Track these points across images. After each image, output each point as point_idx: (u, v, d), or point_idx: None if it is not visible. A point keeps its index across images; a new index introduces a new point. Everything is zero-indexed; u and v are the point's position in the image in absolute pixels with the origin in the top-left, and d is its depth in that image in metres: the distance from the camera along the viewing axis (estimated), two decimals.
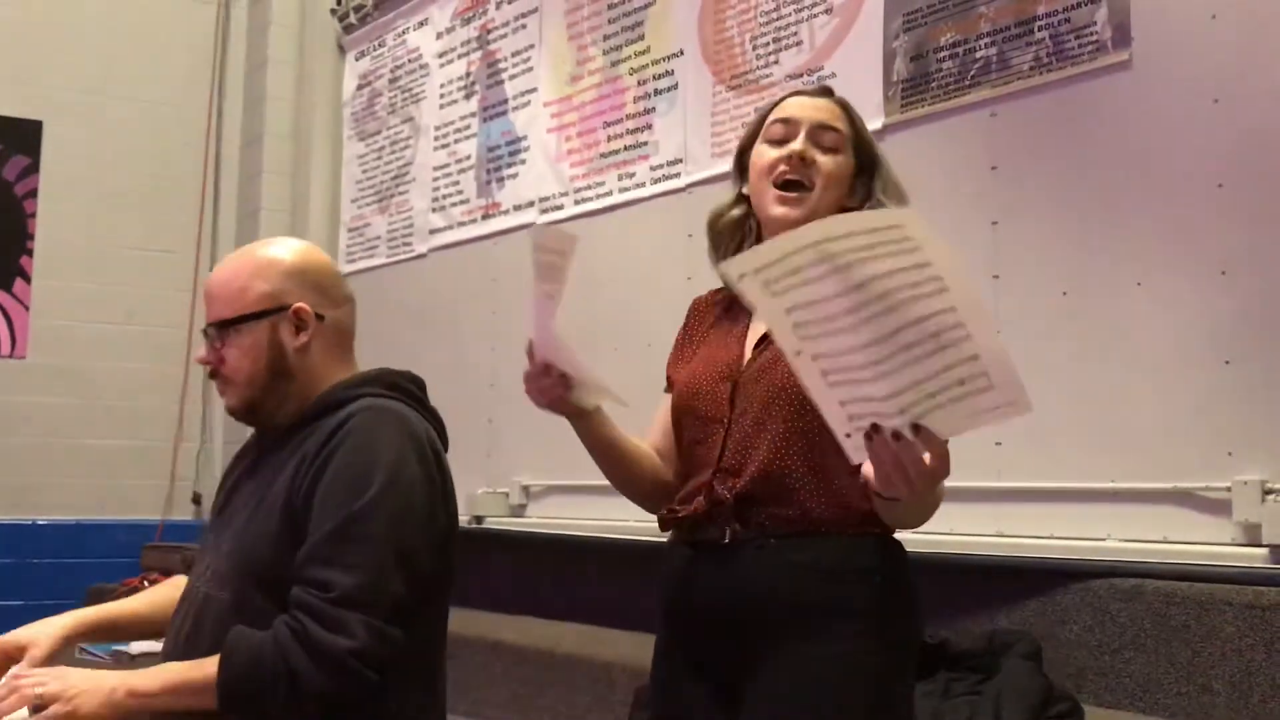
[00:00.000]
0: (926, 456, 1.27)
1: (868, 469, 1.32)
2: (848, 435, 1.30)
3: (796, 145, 1.65)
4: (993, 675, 2.50)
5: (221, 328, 1.73)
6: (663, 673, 1.72)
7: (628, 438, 1.76)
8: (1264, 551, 2.39)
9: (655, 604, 1.73)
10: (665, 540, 1.75)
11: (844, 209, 1.64)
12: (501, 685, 3.53)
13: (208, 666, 1.53)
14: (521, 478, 4.25)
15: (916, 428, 1.26)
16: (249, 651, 1.53)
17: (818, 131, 1.67)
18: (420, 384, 1.82)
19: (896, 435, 1.26)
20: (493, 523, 4.33)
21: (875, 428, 1.27)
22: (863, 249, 1.21)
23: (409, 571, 1.58)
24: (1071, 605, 2.62)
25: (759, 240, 1.71)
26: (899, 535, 1.64)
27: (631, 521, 3.54)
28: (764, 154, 1.69)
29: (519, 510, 4.29)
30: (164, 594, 1.94)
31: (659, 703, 1.72)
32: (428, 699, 1.71)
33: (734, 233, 1.76)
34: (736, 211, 1.76)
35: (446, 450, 1.79)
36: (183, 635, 1.67)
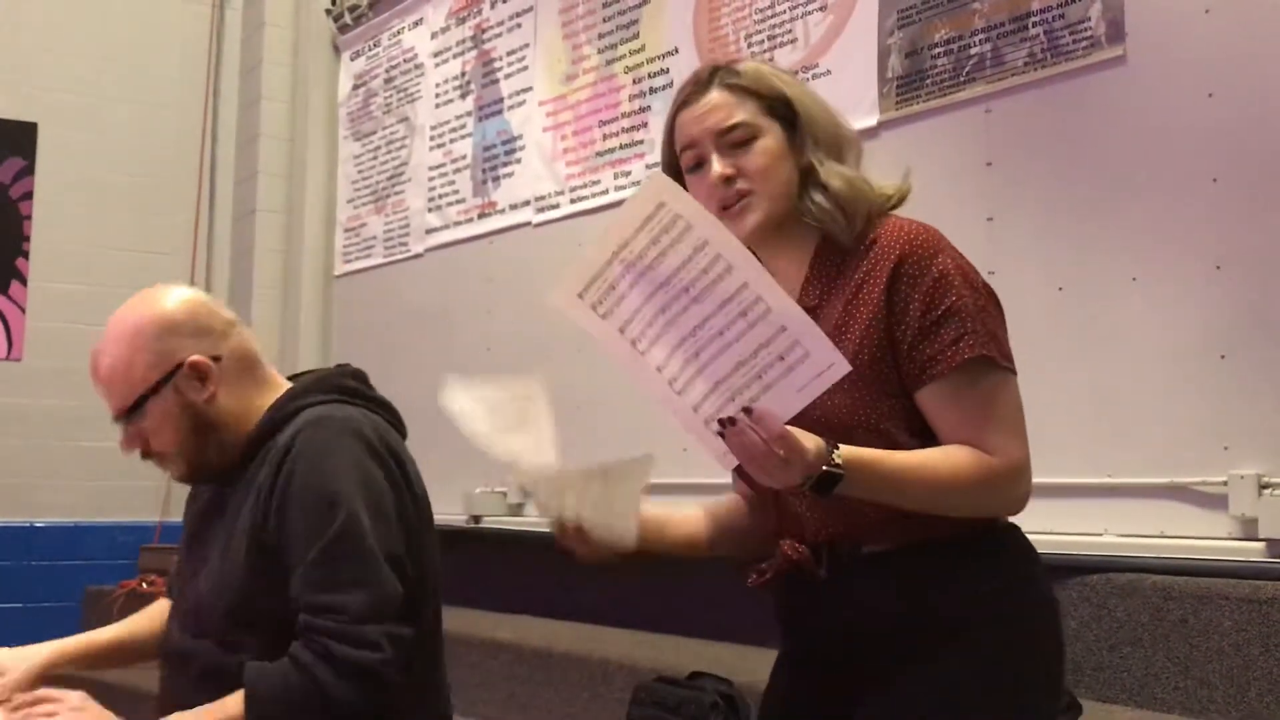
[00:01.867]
0: (765, 436, 1.23)
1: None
2: (719, 434, 1.28)
3: (714, 170, 1.49)
4: None
5: (129, 415, 1.70)
6: (778, 687, 1.64)
7: (679, 519, 1.64)
8: (1261, 545, 2.39)
9: (712, 610, 1.67)
10: None
11: (804, 172, 1.50)
12: (499, 684, 3.52)
13: (229, 707, 1.53)
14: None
15: (749, 411, 1.24)
16: (273, 682, 1.53)
17: (722, 138, 1.50)
18: (360, 376, 1.79)
19: (731, 420, 1.24)
20: (490, 522, 4.33)
21: (720, 422, 1.25)
22: (651, 243, 1.23)
23: (399, 573, 1.59)
24: (1068, 600, 2.62)
25: None
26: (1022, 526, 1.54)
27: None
28: (694, 189, 1.50)
29: (517, 509, 4.29)
30: (144, 620, 1.92)
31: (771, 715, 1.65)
32: (432, 694, 1.72)
33: None
34: None
35: (405, 436, 1.77)
36: (171, 684, 1.68)
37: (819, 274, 1.50)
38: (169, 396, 1.68)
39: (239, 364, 1.73)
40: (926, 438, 1.43)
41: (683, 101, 1.56)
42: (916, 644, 1.42)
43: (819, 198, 1.48)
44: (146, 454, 1.73)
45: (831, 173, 1.49)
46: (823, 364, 1.22)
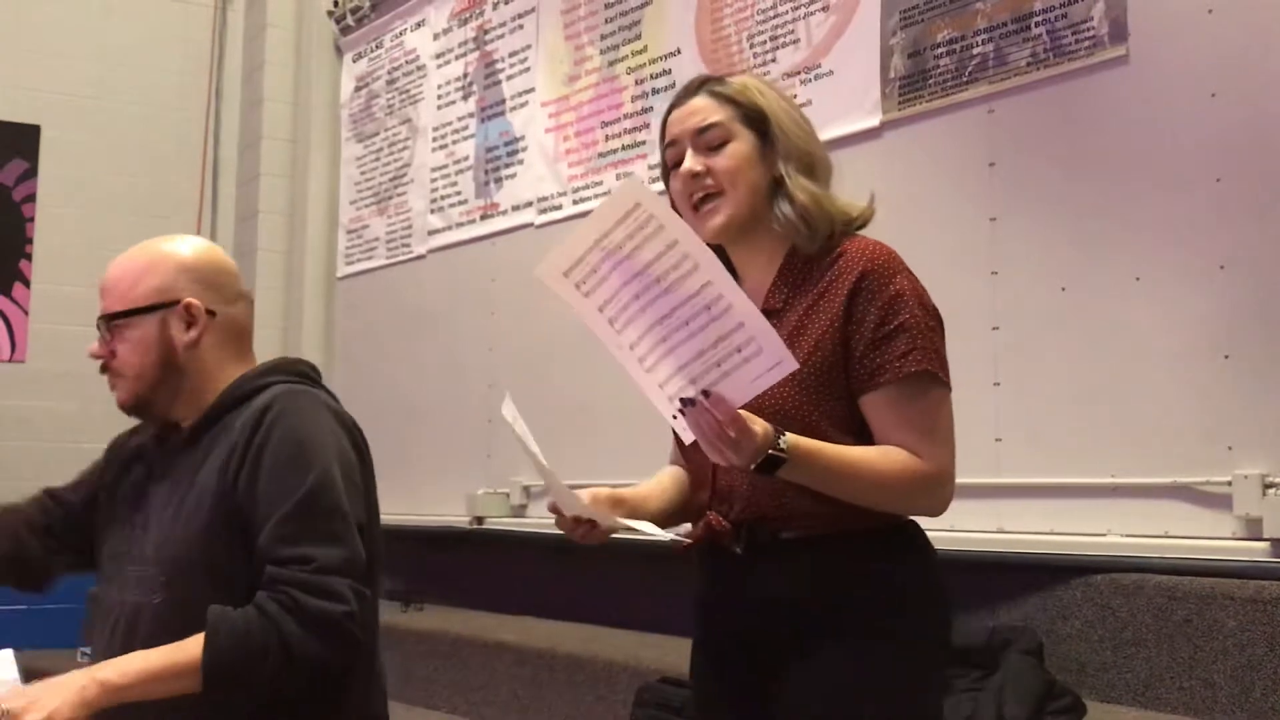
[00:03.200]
0: (718, 416, 1.36)
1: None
2: (674, 417, 1.42)
3: (685, 165, 1.63)
4: (994, 671, 2.50)
5: (111, 321, 1.75)
6: (697, 677, 1.72)
7: (658, 492, 1.74)
8: (1265, 545, 2.39)
9: (690, 604, 1.73)
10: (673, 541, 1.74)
11: (770, 182, 1.63)
12: (502, 685, 3.52)
13: (188, 648, 1.52)
14: (522, 478, 4.25)
15: (707, 394, 1.36)
16: (235, 626, 1.52)
17: (698, 138, 1.63)
18: (317, 370, 1.84)
19: (691, 401, 1.37)
20: (493, 523, 4.33)
21: (682, 401, 1.38)
22: (628, 237, 1.36)
23: (359, 530, 1.63)
24: (1073, 601, 2.62)
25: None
26: (925, 526, 1.62)
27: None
28: (672, 185, 1.67)
29: (520, 511, 4.28)
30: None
31: (696, 702, 1.75)
32: (371, 675, 1.72)
33: None
34: None
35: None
36: (115, 649, 1.64)
37: (785, 279, 1.62)
38: (153, 323, 1.74)
39: (228, 330, 1.78)
40: (860, 439, 1.53)
41: (672, 105, 1.71)
42: (823, 629, 1.53)
43: (785, 208, 1.60)
44: (106, 367, 1.77)
45: (799, 186, 1.61)
46: (774, 360, 1.34)
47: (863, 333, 1.53)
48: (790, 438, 1.43)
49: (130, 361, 1.74)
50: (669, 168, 1.68)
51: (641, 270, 1.37)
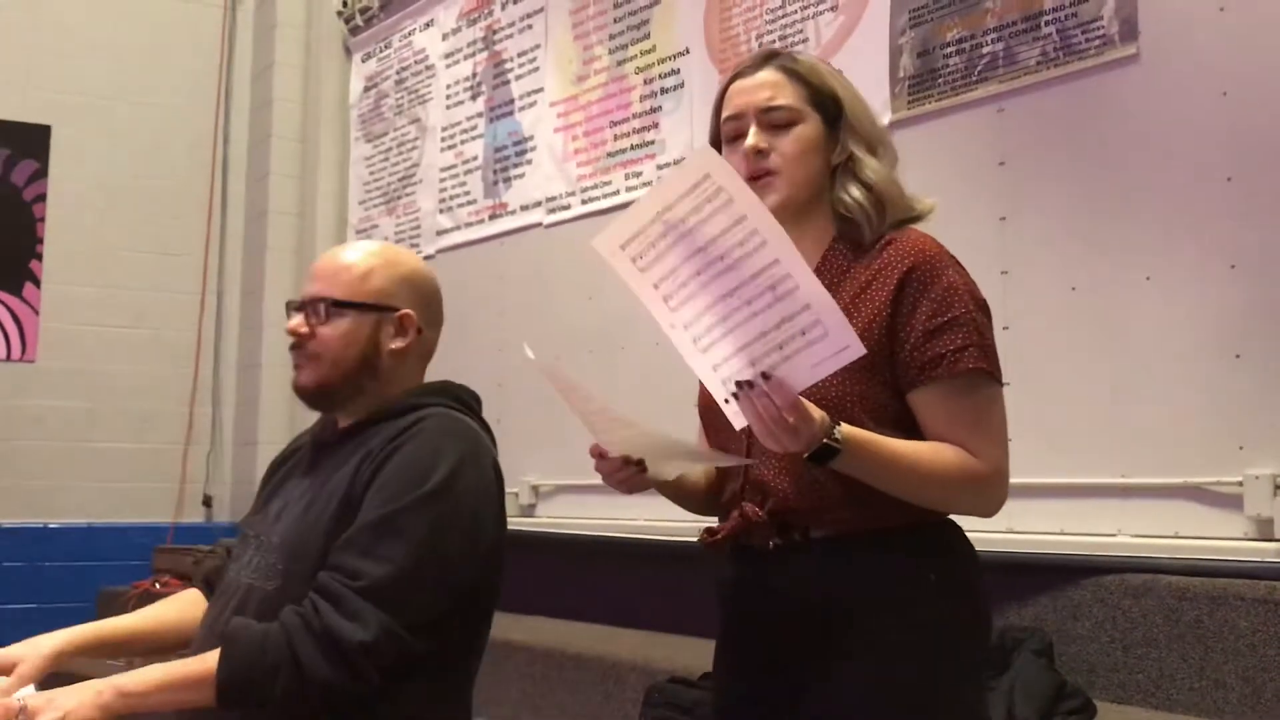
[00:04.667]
0: (779, 403, 1.30)
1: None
2: (726, 401, 1.36)
3: (749, 141, 1.57)
4: (1004, 672, 2.50)
5: (330, 305, 1.74)
6: (721, 673, 1.70)
7: (701, 469, 1.71)
8: (1276, 546, 2.38)
9: (714, 605, 1.70)
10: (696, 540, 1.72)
11: (829, 168, 1.59)
12: (512, 684, 3.53)
13: (207, 660, 1.52)
14: (531, 478, 4.25)
15: (766, 377, 1.31)
16: (251, 640, 1.51)
17: (764, 115, 1.58)
18: (478, 399, 1.86)
19: (750, 384, 1.31)
20: None
21: (739, 384, 1.32)
22: (693, 210, 1.30)
23: (444, 578, 1.57)
24: (1083, 601, 2.61)
25: None
26: (964, 524, 1.60)
27: (641, 520, 3.54)
28: (729, 159, 1.58)
29: (529, 510, 4.29)
30: (168, 610, 1.90)
31: (719, 703, 1.71)
32: (454, 712, 1.70)
33: None
34: None
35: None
36: (220, 626, 1.64)
37: (829, 265, 1.57)
38: (367, 322, 1.75)
39: (423, 350, 1.82)
40: (897, 432, 1.49)
41: (737, 74, 1.64)
42: (857, 627, 1.49)
43: (856, 191, 1.56)
44: (300, 343, 1.76)
45: (873, 168, 1.57)
46: (840, 344, 1.29)
47: (913, 325, 1.49)
48: (845, 428, 1.39)
49: (332, 347, 1.74)
50: (725, 139, 1.62)
51: (705, 245, 1.31)
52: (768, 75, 1.60)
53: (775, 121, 1.57)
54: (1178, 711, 2.42)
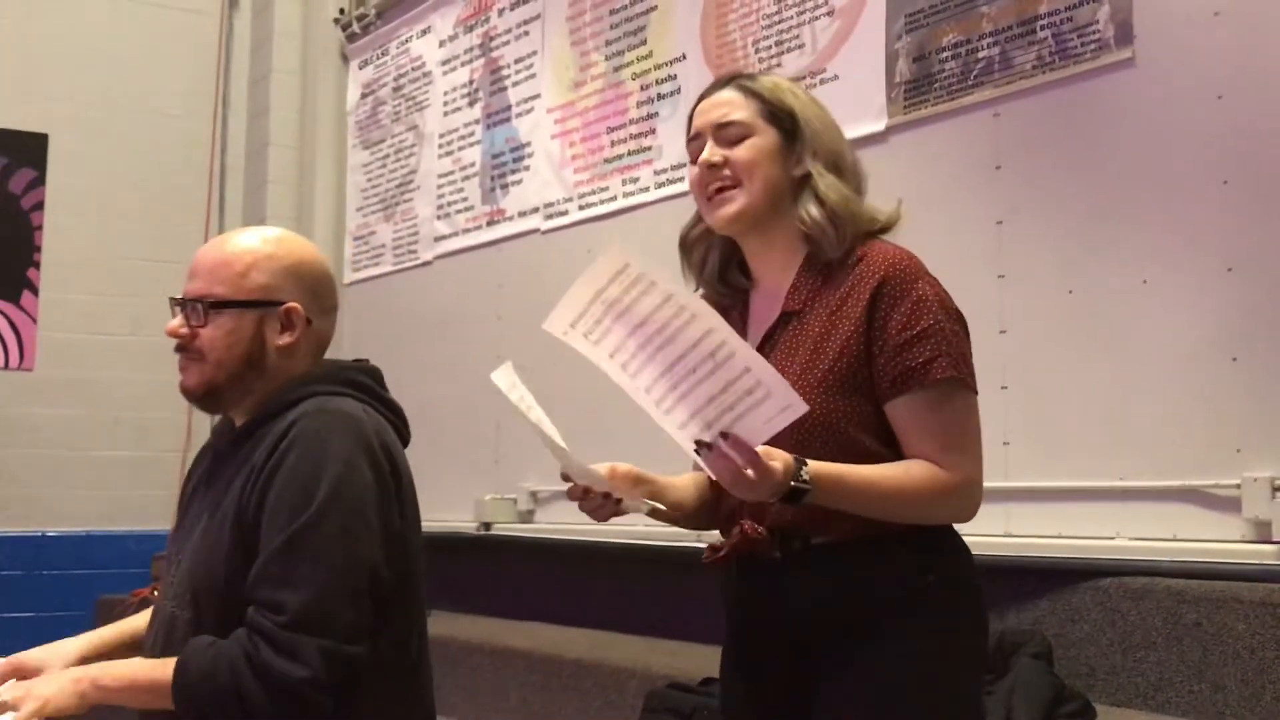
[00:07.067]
0: (737, 459, 1.35)
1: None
2: (696, 453, 1.41)
3: (703, 156, 1.64)
4: (1003, 675, 2.49)
5: (209, 305, 1.68)
6: (727, 678, 1.72)
7: (682, 485, 1.72)
8: (1274, 548, 2.38)
9: (718, 613, 1.72)
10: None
11: (791, 181, 1.62)
12: (511, 691, 3.52)
13: (165, 668, 1.53)
14: (529, 484, 4.25)
15: (725, 436, 1.36)
16: (203, 665, 1.51)
17: (719, 132, 1.64)
18: (375, 374, 1.78)
19: (708, 445, 1.37)
20: (501, 529, 4.33)
21: (698, 445, 1.38)
22: (625, 291, 1.37)
23: (366, 582, 1.55)
24: (1081, 604, 2.61)
25: (724, 253, 1.72)
26: (962, 528, 1.61)
27: (640, 527, 3.54)
28: (690, 175, 1.68)
29: (527, 516, 4.29)
30: None
31: (724, 708, 1.74)
32: (408, 706, 1.67)
33: (699, 248, 1.75)
34: (700, 227, 1.74)
35: (407, 443, 1.76)
36: (156, 652, 1.66)
37: (805, 281, 1.61)
38: (249, 319, 1.69)
39: (315, 342, 1.75)
40: (890, 443, 1.54)
41: (699, 98, 1.70)
42: (862, 631, 1.52)
43: (813, 209, 1.59)
44: (184, 346, 1.71)
45: (829, 185, 1.60)
46: (783, 403, 1.34)
47: (886, 338, 1.52)
48: (812, 467, 1.43)
49: (215, 348, 1.68)
50: (690, 160, 1.68)
51: (642, 321, 1.37)
52: (725, 94, 1.66)
53: (730, 137, 1.63)
54: (1177, 714, 2.42)
